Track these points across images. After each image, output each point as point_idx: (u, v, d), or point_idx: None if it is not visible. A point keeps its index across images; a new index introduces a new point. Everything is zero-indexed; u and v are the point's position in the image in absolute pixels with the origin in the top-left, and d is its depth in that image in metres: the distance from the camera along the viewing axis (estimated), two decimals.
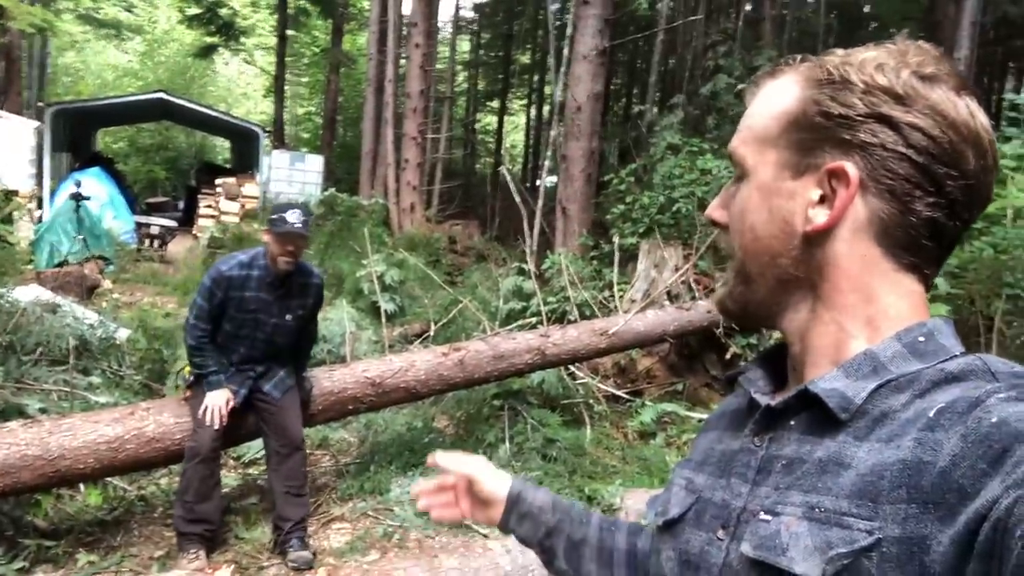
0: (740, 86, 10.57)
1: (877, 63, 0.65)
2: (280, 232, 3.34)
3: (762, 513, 0.64)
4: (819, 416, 0.64)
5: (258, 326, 3.51)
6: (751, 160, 0.71)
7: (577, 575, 0.99)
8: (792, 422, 0.67)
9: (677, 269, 6.73)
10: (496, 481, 1.04)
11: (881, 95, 0.64)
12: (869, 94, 0.64)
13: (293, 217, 3.33)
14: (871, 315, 0.67)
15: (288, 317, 3.55)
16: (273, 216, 3.41)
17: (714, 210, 0.76)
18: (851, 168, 0.64)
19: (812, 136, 0.67)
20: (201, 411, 3.36)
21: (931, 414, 0.57)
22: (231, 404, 3.43)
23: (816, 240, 0.67)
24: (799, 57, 0.73)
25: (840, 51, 0.70)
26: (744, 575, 0.63)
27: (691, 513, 0.75)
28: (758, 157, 0.71)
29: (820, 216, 0.66)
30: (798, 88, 0.69)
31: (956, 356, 0.64)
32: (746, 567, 0.63)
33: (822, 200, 0.66)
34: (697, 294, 6.57)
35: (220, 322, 3.49)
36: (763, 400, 0.71)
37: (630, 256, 7.33)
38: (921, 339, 0.65)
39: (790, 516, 0.61)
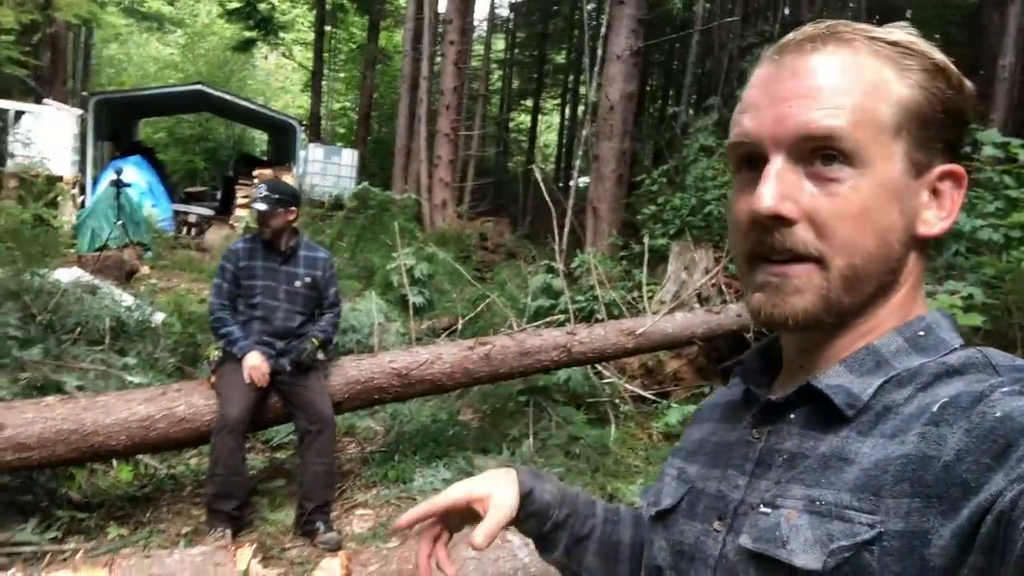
0: None
1: (952, 63, 0.64)
2: (254, 210, 3.77)
3: (761, 506, 0.63)
4: (821, 410, 0.64)
5: (270, 293, 3.72)
6: (869, 149, 0.61)
7: (578, 567, 0.93)
8: (792, 416, 0.67)
9: (707, 272, 6.69)
10: (504, 492, 0.87)
11: (963, 98, 0.64)
12: (962, 93, 0.64)
13: (258, 193, 3.71)
14: (904, 312, 0.67)
15: (298, 284, 3.77)
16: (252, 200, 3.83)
17: (779, 203, 0.62)
18: (963, 172, 0.64)
19: (932, 133, 0.63)
20: (247, 374, 3.50)
21: (935, 409, 0.56)
22: (267, 365, 3.55)
23: (921, 244, 0.65)
24: (838, 23, 0.65)
25: (887, 30, 0.65)
26: (742, 567, 0.63)
27: (684, 503, 0.74)
28: (877, 147, 0.62)
29: (936, 220, 0.64)
30: (902, 72, 0.63)
31: (956, 349, 0.63)
32: (744, 559, 0.63)
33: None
34: (728, 297, 6.52)
35: (238, 300, 3.74)
36: (762, 393, 0.71)
37: (660, 257, 7.30)
38: (921, 333, 0.65)
39: (790, 509, 0.60)
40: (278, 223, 3.70)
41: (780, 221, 0.62)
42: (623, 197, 9.50)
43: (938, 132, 0.64)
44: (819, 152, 0.62)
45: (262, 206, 3.65)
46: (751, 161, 0.66)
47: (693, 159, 8.48)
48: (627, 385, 5.98)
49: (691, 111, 12.12)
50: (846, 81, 0.62)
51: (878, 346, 0.65)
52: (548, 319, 6.04)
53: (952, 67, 0.64)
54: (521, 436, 4.89)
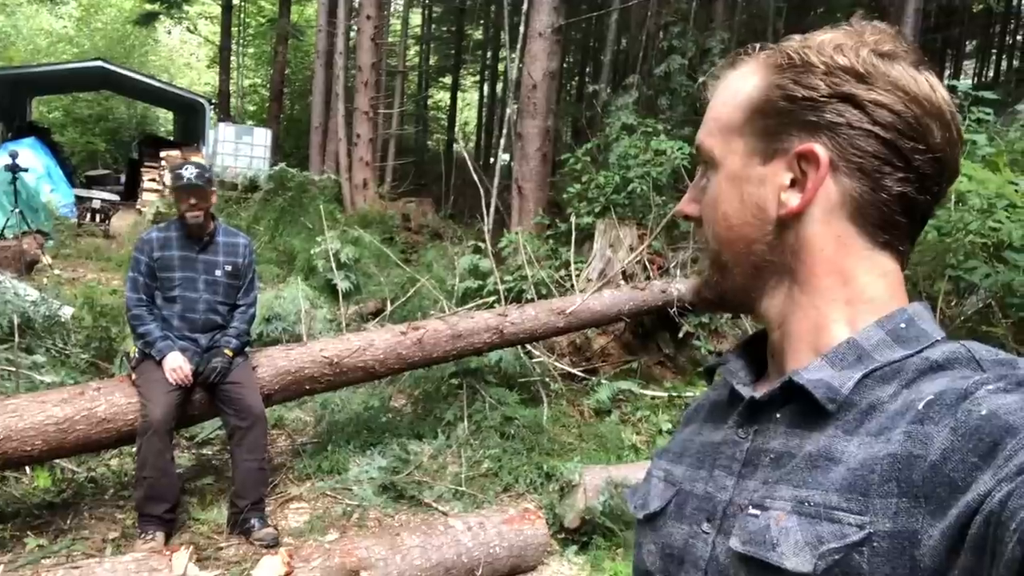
0: (699, 74, 10.66)
1: (835, 44, 0.66)
2: (178, 187, 3.52)
3: (750, 507, 0.63)
4: (805, 408, 0.63)
5: (189, 284, 3.56)
6: (718, 151, 0.71)
7: None
8: (778, 414, 0.66)
9: (632, 249, 6.80)
10: None
11: (842, 75, 0.64)
12: (830, 75, 0.64)
13: (187, 172, 3.52)
14: (849, 297, 0.66)
15: (218, 273, 3.63)
16: (170, 178, 3.61)
17: (685, 205, 0.76)
18: (820, 149, 0.64)
19: (777, 121, 0.67)
20: (169, 374, 3.34)
21: (920, 406, 0.56)
22: (189, 365, 3.41)
23: (790, 223, 0.67)
24: (758, 46, 0.72)
25: (798, 36, 0.70)
26: (732, 569, 0.62)
27: (671, 506, 0.74)
28: (725, 148, 0.71)
29: (793, 199, 0.66)
30: (759, 75, 0.69)
31: (938, 342, 0.64)
32: (734, 562, 0.62)
33: (793, 183, 0.66)
34: (651, 274, 6.66)
35: (155, 293, 3.55)
36: (746, 392, 0.70)
37: (586, 235, 7.36)
38: (903, 325, 0.64)
39: (779, 510, 0.60)
40: (208, 203, 3.57)
41: (692, 220, 0.76)
42: (548, 176, 9.52)
43: (784, 119, 0.66)
44: (704, 163, 0.74)
45: (197, 180, 3.48)
46: None
47: (615, 137, 8.54)
48: (557, 363, 6.04)
49: (610, 89, 12.22)
50: (715, 101, 0.73)
51: (859, 339, 0.64)
52: (479, 301, 6.03)
53: (817, 54, 0.66)
54: (455, 419, 4.88)
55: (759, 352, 0.76)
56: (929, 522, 0.51)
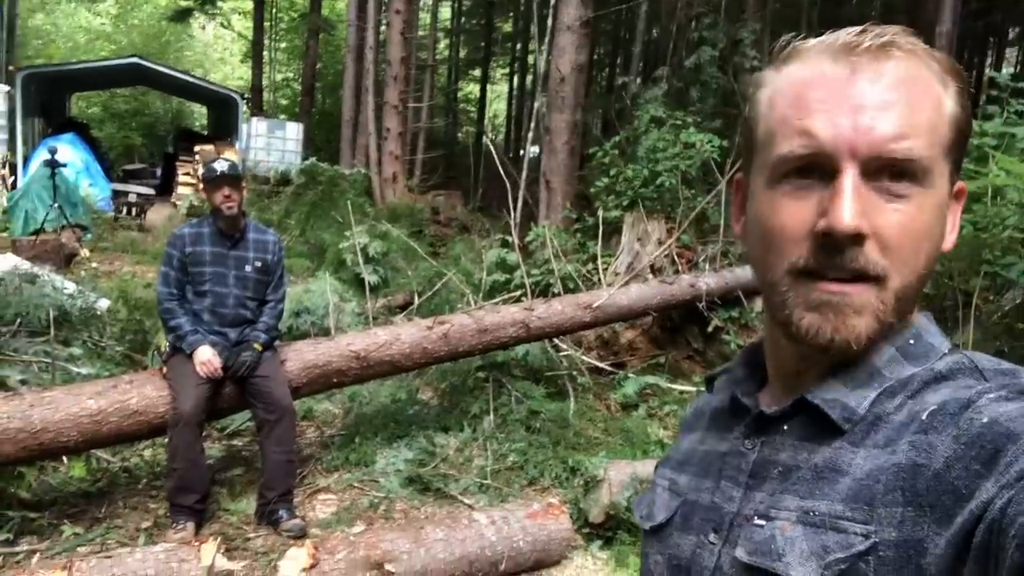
0: (730, 66, 10.52)
1: None
2: (211, 179, 3.57)
3: (756, 518, 0.63)
4: (815, 421, 0.64)
5: (219, 279, 3.61)
6: (936, 168, 0.61)
7: None
8: (785, 427, 0.66)
9: (660, 243, 6.76)
10: None
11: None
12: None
13: (220, 165, 3.61)
14: (905, 325, 0.67)
15: (248, 268, 3.68)
16: (203, 172, 3.67)
17: (861, 219, 0.58)
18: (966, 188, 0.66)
19: (961, 153, 0.63)
20: (200, 367, 3.40)
21: (924, 417, 0.57)
22: (219, 359, 3.46)
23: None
24: (894, 31, 0.62)
25: (919, 40, 0.62)
26: None
27: (677, 517, 0.74)
28: (939, 167, 0.61)
29: (951, 235, 0.66)
30: (953, 88, 0.62)
31: (945, 355, 0.64)
32: (740, 572, 0.62)
33: None
34: (680, 268, 6.61)
35: (186, 288, 3.62)
36: (751, 404, 0.70)
37: (614, 229, 7.33)
38: (911, 341, 0.65)
39: (785, 521, 0.60)
40: (241, 195, 3.64)
41: (856, 239, 0.59)
42: (575, 169, 9.49)
43: (964, 152, 0.64)
44: (891, 169, 0.59)
45: (230, 171, 3.57)
46: (806, 169, 0.62)
47: (644, 130, 8.49)
48: (584, 357, 6.03)
49: (640, 80, 12.13)
50: (919, 96, 0.60)
51: (871, 357, 0.64)
52: (506, 295, 6.03)
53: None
54: (481, 413, 4.91)
55: (760, 361, 0.75)
56: (935, 531, 0.51)
